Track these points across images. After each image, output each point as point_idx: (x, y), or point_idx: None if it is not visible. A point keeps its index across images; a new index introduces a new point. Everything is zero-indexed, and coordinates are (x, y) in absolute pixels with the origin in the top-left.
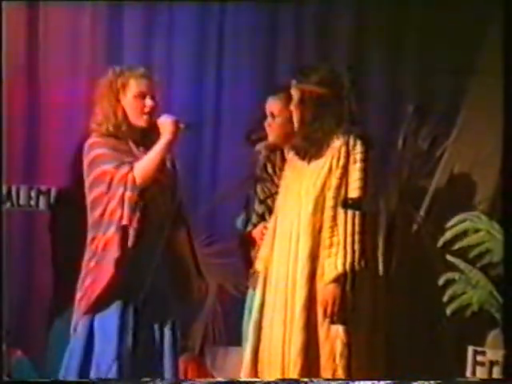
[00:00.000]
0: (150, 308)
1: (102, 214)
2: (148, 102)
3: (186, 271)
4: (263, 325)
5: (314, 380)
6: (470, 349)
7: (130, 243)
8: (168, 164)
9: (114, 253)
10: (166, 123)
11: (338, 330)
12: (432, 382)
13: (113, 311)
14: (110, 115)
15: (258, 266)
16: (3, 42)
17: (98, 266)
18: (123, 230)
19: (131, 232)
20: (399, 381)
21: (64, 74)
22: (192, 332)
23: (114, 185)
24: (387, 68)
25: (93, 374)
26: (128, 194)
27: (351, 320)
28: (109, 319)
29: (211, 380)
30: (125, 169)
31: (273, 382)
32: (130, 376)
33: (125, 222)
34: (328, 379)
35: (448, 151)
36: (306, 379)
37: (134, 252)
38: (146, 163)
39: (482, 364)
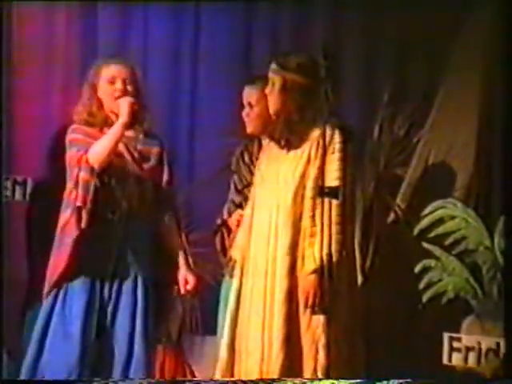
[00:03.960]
0: (121, 295)
1: (65, 196)
2: (118, 85)
3: (172, 261)
4: (240, 315)
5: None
6: (446, 335)
7: (83, 224)
8: (153, 159)
9: (70, 234)
10: (122, 104)
11: (319, 319)
12: None
13: (76, 295)
14: (86, 104)
15: (235, 254)
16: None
17: (57, 248)
18: (77, 211)
19: (84, 213)
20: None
21: (39, 64)
22: (169, 321)
23: (72, 168)
24: (362, 56)
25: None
26: (82, 175)
27: (331, 309)
28: (73, 302)
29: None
30: (82, 151)
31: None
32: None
33: (79, 202)
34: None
35: (423, 139)
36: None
37: (91, 233)
38: (100, 145)
39: (458, 350)
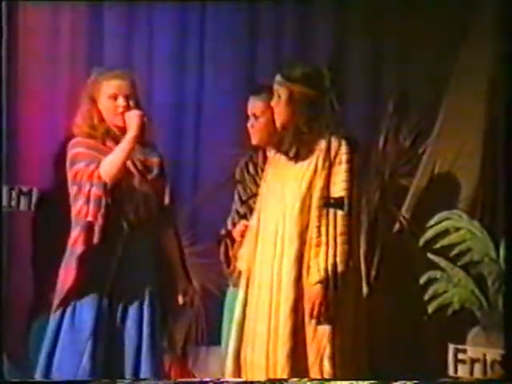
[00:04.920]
0: (129, 306)
1: (75, 213)
2: (120, 102)
3: (173, 273)
4: (246, 325)
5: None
6: (452, 347)
7: (95, 239)
8: (155, 170)
9: (79, 250)
10: (131, 117)
11: (325, 329)
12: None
13: (86, 307)
14: (86, 117)
15: (240, 264)
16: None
17: (67, 263)
18: (88, 227)
19: (96, 228)
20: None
21: (44, 73)
22: (174, 332)
23: (83, 183)
24: (367, 66)
25: (59, 370)
26: (93, 190)
27: (337, 320)
28: (82, 315)
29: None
30: (92, 166)
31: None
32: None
33: (90, 218)
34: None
35: (429, 149)
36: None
37: (99, 247)
38: (111, 159)
39: (463, 362)
